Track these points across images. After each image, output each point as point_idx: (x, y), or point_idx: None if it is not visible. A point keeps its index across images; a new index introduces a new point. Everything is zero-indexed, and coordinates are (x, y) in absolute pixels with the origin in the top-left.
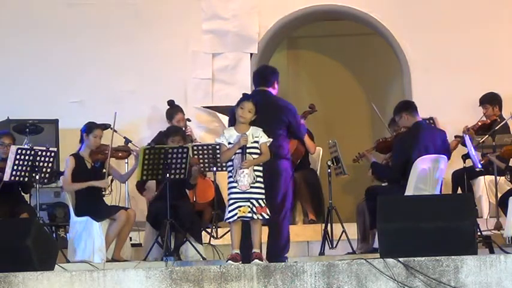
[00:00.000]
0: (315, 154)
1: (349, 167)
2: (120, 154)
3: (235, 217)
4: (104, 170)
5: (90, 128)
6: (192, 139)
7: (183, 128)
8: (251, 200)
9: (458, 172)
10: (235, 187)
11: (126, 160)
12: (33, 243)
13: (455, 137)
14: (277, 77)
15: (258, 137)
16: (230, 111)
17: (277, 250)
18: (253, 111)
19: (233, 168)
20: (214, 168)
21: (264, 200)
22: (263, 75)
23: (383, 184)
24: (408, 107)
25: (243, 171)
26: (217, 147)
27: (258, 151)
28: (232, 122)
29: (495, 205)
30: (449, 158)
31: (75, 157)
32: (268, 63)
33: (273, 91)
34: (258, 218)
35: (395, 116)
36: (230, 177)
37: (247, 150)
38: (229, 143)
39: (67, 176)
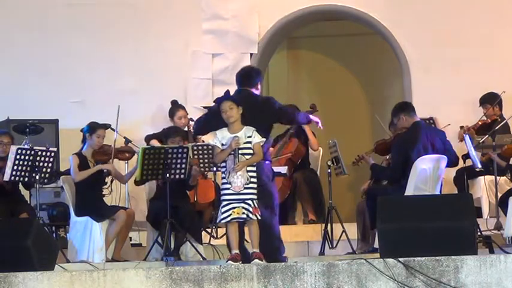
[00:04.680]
0: (315, 153)
1: (349, 167)
2: (121, 156)
3: (229, 218)
4: (105, 170)
5: (93, 128)
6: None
7: (186, 126)
8: (246, 201)
9: (459, 172)
10: (228, 188)
11: (126, 161)
12: (33, 243)
13: (461, 127)
14: (260, 78)
15: (251, 136)
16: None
17: (271, 250)
18: (234, 106)
19: (226, 170)
20: (215, 168)
21: (255, 201)
22: (246, 75)
23: (383, 184)
24: (406, 108)
25: (237, 173)
26: None
27: (251, 151)
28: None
29: (495, 205)
30: (456, 160)
31: (78, 156)
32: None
33: (256, 92)
34: (253, 218)
35: (393, 118)
36: (223, 178)
37: (241, 151)
38: (223, 144)
39: (74, 169)
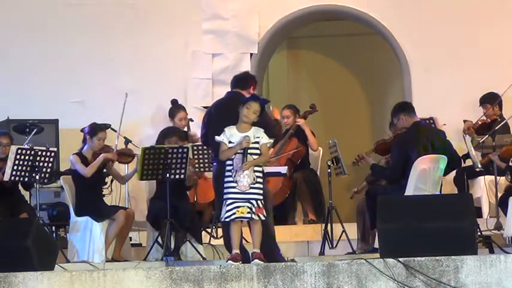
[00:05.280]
0: (315, 153)
1: (349, 167)
2: (123, 159)
3: (233, 217)
4: (105, 170)
5: (94, 130)
6: (195, 140)
7: (186, 128)
8: (250, 201)
9: (458, 172)
10: (234, 187)
11: (126, 164)
12: (33, 243)
13: (465, 121)
14: (254, 84)
15: (259, 137)
16: (207, 111)
17: (267, 250)
18: (258, 113)
19: (233, 169)
20: None
21: (262, 201)
22: (241, 78)
23: (383, 184)
24: (405, 108)
25: (243, 172)
26: None
27: (258, 152)
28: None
29: (495, 205)
30: (458, 158)
31: (79, 156)
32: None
33: (247, 95)
34: (256, 218)
35: (393, 118)
36: (229, 176)
37: (249, 151)
38: (230, 142)
39: (80, 165)
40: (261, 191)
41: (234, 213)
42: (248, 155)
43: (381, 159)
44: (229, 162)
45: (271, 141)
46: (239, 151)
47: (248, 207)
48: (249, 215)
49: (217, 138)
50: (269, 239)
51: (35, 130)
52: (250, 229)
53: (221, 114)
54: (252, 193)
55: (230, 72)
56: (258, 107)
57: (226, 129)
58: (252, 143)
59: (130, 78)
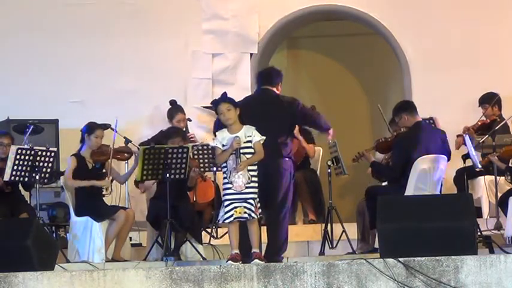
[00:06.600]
0: (315, 156)
1: (349, 167)
2: (120, 156)
3: (232, 218)
4: (104, 170)
5: (91, 128)
6: (193, 141)
7: (184, 129)
8: (247, 201)
9: (459, 172)
10: (230, 188)
11: (124, 161)
12: (33, 243)
13: (458, 136)
14: (281, 80)
15: (250, 136)
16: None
17: (275, 249)
18: (232, 107)
19: (227, 170)
20: (214, 168)
21: (256, 200)
22: (268, 75)
23: (383, 184)
24: (408, 107)
25: (238, 172)
26: None
27: (251, 150)
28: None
29: (495, 205)
30: (449, 159)
31: (77, 157)
32: (268, 63)
33: (277, 92)
34: (255, 218)
35: (395, 116)
36: (225, 178)
37: (242, 151)
38: (223, 145)
39: (68, 173)
40: (256, 190)
41: (232, 215)
42: (241, 155)
43: (382, 160)
44: (224, 163)
45: (264, 138)
46: (233, 152)
47: (245, 207)
48: (246, 215)
49: (210, 143)
50: (281, 238)
51: (27, 142)
52: (248, 229)
53: (251, 112)
54: (248, 193)
55: (230, 72)
56: (227, 104)
57: (217, 133)
58: (244, 142)
59: (130, 78)
